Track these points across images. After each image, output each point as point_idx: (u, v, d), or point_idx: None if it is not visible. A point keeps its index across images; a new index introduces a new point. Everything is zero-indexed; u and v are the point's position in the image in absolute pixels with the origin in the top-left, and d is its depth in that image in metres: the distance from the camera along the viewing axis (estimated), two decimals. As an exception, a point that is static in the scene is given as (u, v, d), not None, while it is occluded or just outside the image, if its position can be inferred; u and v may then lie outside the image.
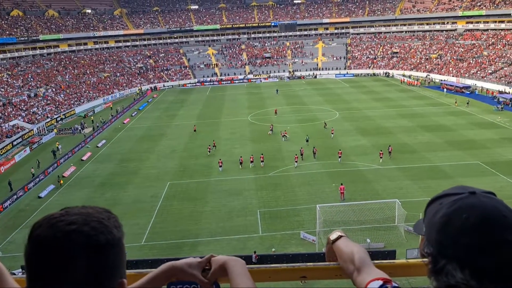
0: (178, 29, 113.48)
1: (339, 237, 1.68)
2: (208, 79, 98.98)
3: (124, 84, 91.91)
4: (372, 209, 29.59)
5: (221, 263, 1.52)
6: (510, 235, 1.07)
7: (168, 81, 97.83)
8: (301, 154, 41.84)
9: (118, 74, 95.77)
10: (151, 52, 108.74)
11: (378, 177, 36.60)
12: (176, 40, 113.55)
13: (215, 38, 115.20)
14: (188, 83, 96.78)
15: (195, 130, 54.78)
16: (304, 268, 1.70)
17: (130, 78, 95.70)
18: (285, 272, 1.73)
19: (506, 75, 75.05)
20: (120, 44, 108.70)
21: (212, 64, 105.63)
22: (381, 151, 40.83)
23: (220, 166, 40.26)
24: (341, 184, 32.99)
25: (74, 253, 1.03)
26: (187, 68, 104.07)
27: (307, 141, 46.11)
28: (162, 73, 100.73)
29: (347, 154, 42.49)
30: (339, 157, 40.84)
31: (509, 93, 67.25)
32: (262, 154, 41.49)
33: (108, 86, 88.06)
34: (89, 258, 1.04)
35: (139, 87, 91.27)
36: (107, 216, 1.16)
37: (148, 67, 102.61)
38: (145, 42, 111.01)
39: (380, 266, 1.52)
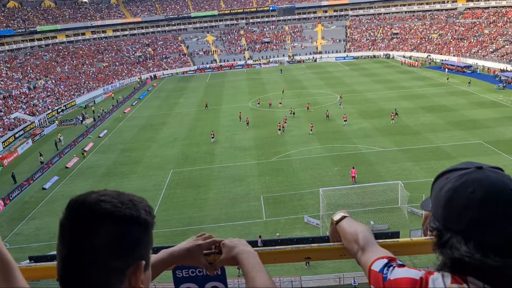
0: (176, 16, 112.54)
1: (343, 217, 1.68)
2: (208, 66, 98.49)
3: (124, 74, 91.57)
4: (375, 191, 29.68)
5: (234, 254, 1.51)
6: None
7: (167, 69, 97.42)
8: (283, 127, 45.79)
9: (117, 63, 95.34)
10: (150, 41, 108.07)
11: (381, 159, 36.61)
12: (174, 28, 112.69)
13: (213, 24, 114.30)
14: (188, 71, 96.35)
15: (206, 106, 59.06)
16: (308, 249, 1.70)
17: (130, 67, 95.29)
18: (290, 253, 1.74)
19: (508, 53, 74.44)
20: (118, 33, 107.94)
21: (211, 51, 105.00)
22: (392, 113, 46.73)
23: (212, 137, 44.31)
24: (353, 168, 33.02)
25: (99, 218, 1.09)
26: (186, 56, 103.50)
27: (293, 113, 50.88)
28: (161, 62, 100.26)
29: (349, 137, 42.46)
30: (345, 120, 46.12)
31: (511, 71, 66.77)
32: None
33: (107, 76, 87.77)
34: (112, 226, 1.09)
35: (139, 76, 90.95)
36: (140, 199, 1.20)
37: (147, 55, 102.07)
38: (143, 31, 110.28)
39: (384, 245, 1.52)
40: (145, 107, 65.53)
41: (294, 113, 51.30)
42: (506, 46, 77.36)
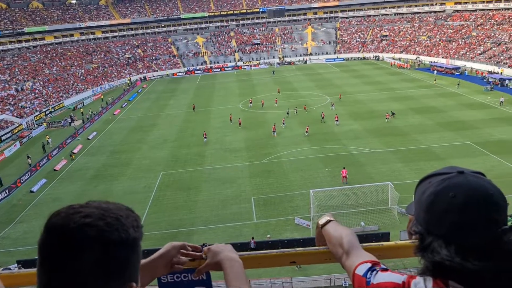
0: (166, 17, 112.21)
1: (328, 221, 1.68)
2: (198, 67, 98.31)
3: (113, 75, 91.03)
4: (365, 192, 29.81)
5: (218, 260, 1.50)
6: (495, 214, 1.08)
7: (157, 71, 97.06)
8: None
9: (107, 65, 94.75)
10: (139, 42, 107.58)
11: (371, 160, 36.80)
12: (164, 29, 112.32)
13: (203, 26, 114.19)
14: (178, 72, 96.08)
15: (194, 109, 58.53)
16: (293, 253, 1.69)
17: (119, 69, 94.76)
18: (275, 258, 1.73)
19: (495, 55, 75.39)
20: (107, 35, 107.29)
21: (201, 52, 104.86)
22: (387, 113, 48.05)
23: (205, 138, 44.98)
24: (344, 168, 33.20)
25: (84, 245, 1.02)
26: (176, 57, 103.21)
27: (287, 113, 51.43)
28: (151, 63, 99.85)
29: (340, 139, 42.65)
30: (336, 120, 46.93)
31: (498, 73, 67.62)
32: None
33: (96, 78, 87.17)
34: (99, 252, 1.03)
35: (129, 78, 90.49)
36: (127, 214, 1.13)
37: (137, 57, 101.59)
38: (133, 32, 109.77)
39: (369, 249, 1.51)
40: (135, 109, 65.18)
41: (289, 113, 51.84)
42: (493, 48, 78.35)
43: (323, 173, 34.92)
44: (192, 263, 1.62)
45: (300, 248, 1.68)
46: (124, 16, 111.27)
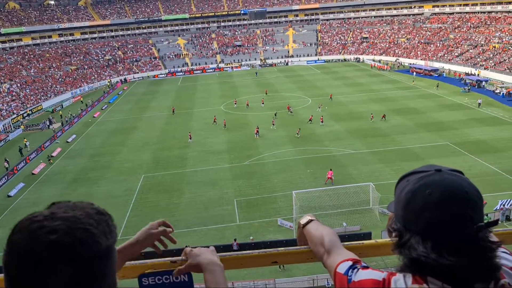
0: (146, 19, 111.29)
1: (309, 221, 1.68)
2: (179, 69, 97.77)
3: (93, 77, 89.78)
4: (347, 193, 30.09)
5: (198, 262, 1.50)
6: (470, 211, 1.09)
7: (138, 73, 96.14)
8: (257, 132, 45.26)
9: (86, 66, 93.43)
10: (119, 44, 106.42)
11: (352, 161, 37.15)
12: (145, 31, 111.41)
13: (184, 27, 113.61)
14: (159, 74, 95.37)
15: (173, 112, 57.99)
16: (275, 253, 1.69)
17: (99, 71, 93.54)
18: (256, 258, 1.72)
19: (472, 57, 77.05)
20: (87, 36, 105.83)
21: (182, 54, 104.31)
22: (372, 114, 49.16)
23: (190, 139, 45.30)
24: (330, 170, 33.35)
25: (53, 266, 0.94)
26: (157, 59, 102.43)
27: (275, 115, 51.42)
28: (131, 65, 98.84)
29: (321, 140, 42.94)
30: (321, 122, 47.39)
31: (475, 74, 69.12)
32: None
33: (75, 80, 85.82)
34: (69, 270, 0.95)
35: (109, 80, 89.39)
36: (97, 220, 1.05)
37: (117, 58, 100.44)
38: (113, 33, 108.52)
39: (350, 248, 1.52)
40: (116, 111, 64.41)
41: (276, 114, 51.89)
42: (470, 51, 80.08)
43: (306, 174, 35.09)
44: (173, 265, 1.61)
45: (282, 248, 1.68)
46: (104, 17, 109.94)
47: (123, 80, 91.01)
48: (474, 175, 32.13)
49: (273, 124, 48.31)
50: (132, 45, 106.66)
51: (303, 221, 1.70)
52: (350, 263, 1.34)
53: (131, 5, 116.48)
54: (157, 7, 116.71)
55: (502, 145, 38.76)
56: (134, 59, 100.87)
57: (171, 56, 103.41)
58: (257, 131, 45.15)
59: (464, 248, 1.07)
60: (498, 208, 27.08)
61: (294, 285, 22.07)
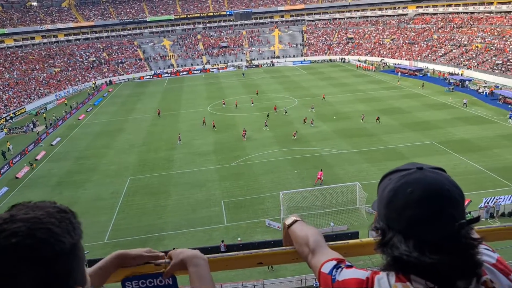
0: (131, 20, 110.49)
1: (294, 221, 1.68)
2: (165, 71, 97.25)
3: (77, 79, 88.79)
4: (334, 193, 30.24)
5: (182, 258, 1.47)
6: (451, 209, 1.10)
7: (123, 75, 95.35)
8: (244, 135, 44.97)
9: (70, 68, 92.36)
10: (104, 45, 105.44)
11: (339, 161, 37.35)
12: (130, 32, 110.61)
13: (169, 28, 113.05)
14: (144, 76, 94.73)
15: (159, 114, 57.21)
16: (260, 255, 1.67)
17: (83, 73, 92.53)
18: (242, 259, 1.71)
19: (455, 57, 78.13)
20: (70, 38, 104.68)
21: (168, 55, 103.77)
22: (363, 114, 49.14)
23: (179, 140, 45.19)
24: (320, 170, 33.35)
25: (17, 268, 0.93)
26: (143, 61, 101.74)
27: (268, 115, 51.51)
28: (116, 66, 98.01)
29: (308, 140, 43.09)
30: (311, 123, 47.20)
31: (459, 74, 70.10)
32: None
33: (59, 82, 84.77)
34: (33, 273, 0.94)
35: (94, 82, 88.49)
36: (60, 218, 1.02)
37: (102, 60, 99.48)
38: (97, 35, 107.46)
39: (335, 247, 1.52)
40: (101, 113, 63.78)
41: (269, 115, 51.93)
42: (453, 51, 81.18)
43: (293, 175, 35.17)
44: (157, 268, 1.58)
45: (267, 249, 1.67)
46: (88, 19, 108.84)
47: (108, 82, 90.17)
48: (458, 174, 32.58)
49: (266, 125, 48.10)
50: (117, 47, 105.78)
51: (288, 221, 1.70)
52: (334, 262, 1.34)
53: (115, 6, 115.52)
54: (142, 8, 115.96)
55: (486, 143, 39.37)
56: (119, 61, 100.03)
57: (157, 58, 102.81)
58: (244, 133, 45.02)
59: (446, 245, 1.07)
60: (482, 205, 27.48)
61: (283, 286, 22.08)
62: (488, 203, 27.54)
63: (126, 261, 1.54)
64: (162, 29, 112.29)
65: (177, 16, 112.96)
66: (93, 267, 1.47)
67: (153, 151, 43.74)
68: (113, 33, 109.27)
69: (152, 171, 38.52)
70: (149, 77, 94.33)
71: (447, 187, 1.12)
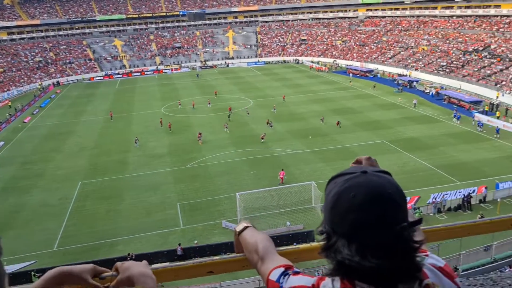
0: (80, 19, 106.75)
1: (245, 227, 1.64)
2: (117, 71, 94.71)
3: (22, 80, 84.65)
4: (290, 192, 30.58)
5: (129, 275, 1.37)
6: (393, 212, 1.10)
7: (72, 75, 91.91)
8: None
9: (14, 69, 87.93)
10: (51, 45, 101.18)
11: (294, 161, 37.81)
12: (78, 31, 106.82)
13: (121, 28, 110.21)
14: (94, 77, 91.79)
15: (111, 117, 55.20)
16: (210, 263, 1.62)
17: (29, 73, 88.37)
18: (191, 269, 1.65)
19: (403, 58, 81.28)
20: (14, 37, 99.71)
21: (119, 56, 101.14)
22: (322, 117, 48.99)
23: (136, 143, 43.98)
24: (282, 170, 33.60)
25: None
26: (93, 61, 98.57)
27: (229, 116, 51.19)
28: (64, 67, 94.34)
29: (264, 141, 43.32)
30: (271, 125, 46.91)
31: (407, 75, 72.97)
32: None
33: (2, 83, 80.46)
34: None
35: (40, 83, 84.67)
36: None
37: (48, 60, 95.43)
38: (43, 34, 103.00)
39: (285, 253, 1.49)
40: (48, 115, 61.15)
41: (230, 116, 51.58)
42: (401, 53, 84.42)
43: (249, 176, 35.25)
44: (102, 282, 1.48)
45: (217, 257, 1.62)
46: (33, 17, 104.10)
47: (55, 83, 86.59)
48: (408, 171, 33.90)
49: (226, 127, 47.31)
50: (64, 46, 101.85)
51: (238, 228, 1.67)
52: (282, 269, 1.32)
53: (62, 4, 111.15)
54: (91, 7, 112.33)
55: (433, 141, 41.20)
56: (67, 61, 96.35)
57: (108, 58, 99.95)
58: (200, 136, 44.39)
59: (387, 249, 1.07)
60: (430, 201, 28.73)
61: (241, 286, 22.04)
62: (435, 199, 28.83)
63: (69, 279, 1.43)
64: (112, 28, 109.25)
65: (128, 16, 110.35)
66: (31, 285, 1.37)
67: (105, 154, 42.46)
68: (60, 32, 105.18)
69: (104, 174, 37.37)
70: (99, 78, 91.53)
71: (389, 191, 1.12)
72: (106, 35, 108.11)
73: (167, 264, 1.64)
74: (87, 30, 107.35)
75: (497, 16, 77.17)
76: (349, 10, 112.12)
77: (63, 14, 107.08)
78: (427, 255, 1.28)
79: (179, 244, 25.03)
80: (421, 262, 1.12)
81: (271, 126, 47.29)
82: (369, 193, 1.10)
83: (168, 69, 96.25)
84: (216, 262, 1.61)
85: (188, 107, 58.94)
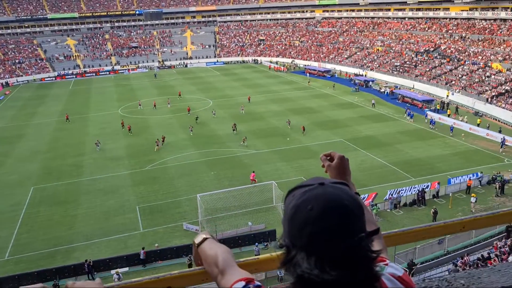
0: (29, 17, 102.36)
1: (204, 239, 1.59)
2: (70, 72, 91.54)
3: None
4: (251, 192, 30.65)
5: None
6: (350, 223, 1.09)
7: (22, 76, 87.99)
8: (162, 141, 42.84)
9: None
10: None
11: (255, 161, 37.93)
12: (28, 30, 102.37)
13: (74, 27, 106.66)
14: (46, 77, 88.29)
15: (67, 119, 53.33)
16: (169, 278, 1.57)
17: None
18: (149, 284, 1.59)
19: (359, 59, 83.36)
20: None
21: (73, 56, 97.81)
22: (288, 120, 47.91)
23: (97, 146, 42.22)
24: (253, 172, 33.47)
25: None
26: (44, 61, 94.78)
27: (196, 119, 49.65)
28: (14, 67, 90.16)
29: (224, 141, 43.21)
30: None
31: (363, 75, 74.89)
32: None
33: None
34: None
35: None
36: None
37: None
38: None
39: (245, 264, 1.47)
40: (-3, 118, 58.28)
41: (198, 118, 50.17)
42: (357, 53, 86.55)
43: (209, 177, 35.03)
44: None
45: (176, 271, 1.57)
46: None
47: (4, 83, 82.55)
48: (365, 169, 34.80)
49: (191, 130, 46.00)
50: (13, 45, 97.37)
51: (197, 240, 1.62)
52: (243, 283, 1.29)
53: (10, 1, 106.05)
54: (41, 4, 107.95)
55: (388, 139, 42.52)
56: (16, 61, 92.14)
57: (61, 58, 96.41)
58: (163, 140, 42.81)
59: (346, 260, 1.07)
60: (387, 198, 29.62)
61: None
62: (392, 195, 29.75)
63: None
64: (65, 27, 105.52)
65: (81, 14, 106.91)
66: None
67: (60, 158, 40.95)
68: (9, 31, 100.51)
69: (58, 179, 36.03)
70: (52, 78, 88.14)
71: (346, 202, 1.11)
72: (58, 34, 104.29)
73: (122, 282, 1.58)
74: (37, 29, 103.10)
75: (446, 18, 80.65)
76: (307, 11, 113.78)
77: (11, 12, 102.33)
78: (386, 264, 1.30)
79: (143, 248, 24.57)
80: (380, 272, 1.12)
81: (234, 130, 45.53)
82: (325, 205, 1.10)
83: (125, 69, 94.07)
84: (175, 276, 1.56)
85: (147, 108, 57.82)
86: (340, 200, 1.12)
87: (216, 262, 1.44)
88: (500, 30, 67.91)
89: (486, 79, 57.32)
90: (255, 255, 21.44)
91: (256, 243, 25.33)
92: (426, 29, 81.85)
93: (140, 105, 58.76)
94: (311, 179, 1.21)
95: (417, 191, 30.05)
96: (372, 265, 1.10)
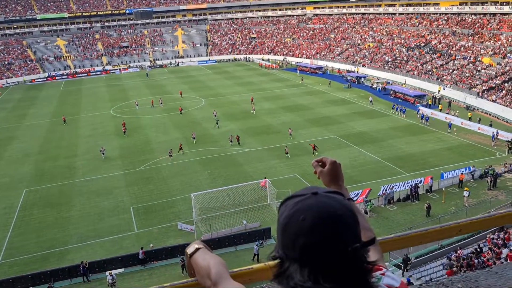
0: (18, 18, 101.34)
1: (196, 249, 1.54)
2: (61, 72, 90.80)
3: (-43, 84, 79.30)
4: (245, 191, 30.61)
5: None
6: (344, 233, 1.07)
7: (12, 77, 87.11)
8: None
9: None
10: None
11: (248, 159, 37.89)
12: (17, 31, 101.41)
13: (63, 27, 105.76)
14: (37, 78, 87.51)
15: (64, 121, 52.66)
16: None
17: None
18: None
19: (351, 55, 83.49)
20: None
21: (63, 56, 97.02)
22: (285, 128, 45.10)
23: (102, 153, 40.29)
24: (265, 178, 31.88)
25: None
26: (34, 62, 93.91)
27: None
28: (3, 68, 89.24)
29: (217, 140, 43.13)
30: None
31: (355, 71, 75.02)
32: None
33: None
34: None
35: (-23, 86, 79.67)
36: None
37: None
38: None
39: (239, 274, 1.43)
40: (-12, 120, 57.69)
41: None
42: (349, 49, 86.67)
43: (203, 176, 34.95)
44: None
45: (168, 284, 1.53)
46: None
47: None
48: (358, 165, 34.89)
49: (193, 138, 43.51)
50: (2, 47, 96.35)
51: (189, 250, 1.55)
52: None
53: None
54: (30, 5, 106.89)
55: (381, 135, 42.65)
56: (6, 62, 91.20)
57: (51, 59, 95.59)
58: (180, 146, 40.45)
59: (340, 272, 1.04)
60: (381, 193, 29.71)
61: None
62: (386, 190, 29.84)
63: None
64: (55, 27, 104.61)
65: (71, 14, 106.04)
66: None
67: (52, 159, 40.65)
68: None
69: (51, 181, 35.78)
70: (42, 79, 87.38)
71: (339, 212, 1.09)
72: (48, 34, 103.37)
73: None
74: (27, 30, 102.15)
75: (436, 13, 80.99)
76: (297, 8, 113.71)
77: (0, 13, 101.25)
78: (383, 274, 1.26)
79: (142, 248, 24.48)
80: (376, 284, 1.10)
81: (231, 142, 41.83)
82: (318, 216, 1.07)
83: (116, 69, 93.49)
84: (167, 288, 1.52)
85: (143, 107, 57.46)
86: (333, 210, 1.09)
87: (209, 274, 1.39)
88: (489, 24, 68.32)
89: (477, 73, 57.67)
90: (254, 254, 21.11)
91: (256, 243, 25.06)
92: (417, 24, 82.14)
93: (137, 104, 58.42)
94: (303, 189, 1.16)
95: (411, 186, 30.17)
96: (367, 277, 1.08)
